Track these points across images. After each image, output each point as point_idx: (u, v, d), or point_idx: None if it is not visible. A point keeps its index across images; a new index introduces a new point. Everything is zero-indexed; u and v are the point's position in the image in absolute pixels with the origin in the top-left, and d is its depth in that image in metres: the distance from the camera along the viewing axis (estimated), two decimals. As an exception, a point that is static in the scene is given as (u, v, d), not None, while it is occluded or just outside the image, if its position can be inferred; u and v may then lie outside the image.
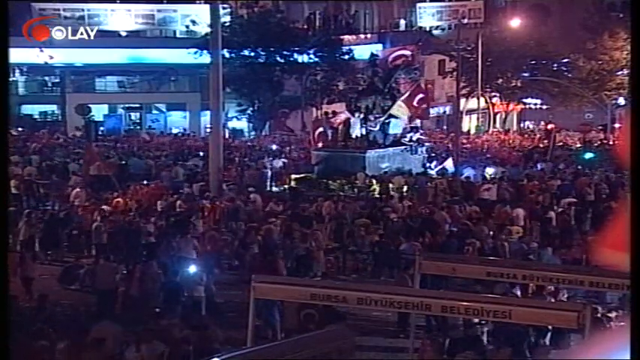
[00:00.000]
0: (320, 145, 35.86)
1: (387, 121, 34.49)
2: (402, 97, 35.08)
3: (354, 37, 59.05)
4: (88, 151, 33.09)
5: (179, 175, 32.50)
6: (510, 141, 49.71)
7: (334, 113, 37.42)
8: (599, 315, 15.81)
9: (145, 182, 30.47)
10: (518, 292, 17.57)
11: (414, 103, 35.96)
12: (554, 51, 58.01)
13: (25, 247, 23.50)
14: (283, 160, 36.20)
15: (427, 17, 65.14)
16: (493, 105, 60.93)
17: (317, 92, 54.01)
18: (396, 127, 34.95)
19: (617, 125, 52.17)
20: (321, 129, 36.74)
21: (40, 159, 35.57)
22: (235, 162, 35.66)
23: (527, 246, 21.93)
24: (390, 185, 31.08)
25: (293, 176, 33.36)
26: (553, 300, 16.70)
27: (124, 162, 35.18)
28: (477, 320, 15.24)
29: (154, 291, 18.63)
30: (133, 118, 57.78)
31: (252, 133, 53.16)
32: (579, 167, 36.06)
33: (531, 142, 47.75)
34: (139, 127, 56.03)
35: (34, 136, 45.86)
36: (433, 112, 62.87)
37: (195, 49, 47.35)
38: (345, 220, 25.32)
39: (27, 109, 55.08)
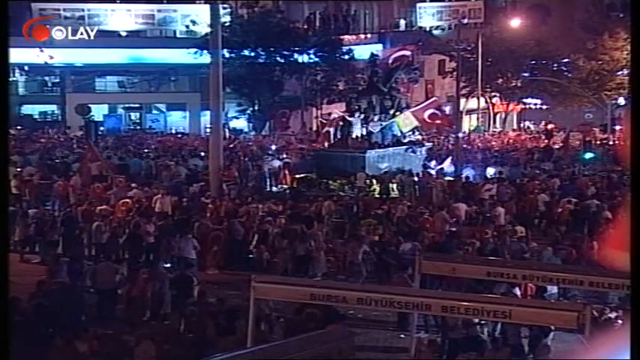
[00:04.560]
0: (326, 144, 35.91)
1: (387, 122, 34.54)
2: (413, 109, 35.04)
3: (354, 37, 59.07)
4: (89, 151, 33.08)
5: (181, 175, 32.52)
6: (511, 140, 49.71)
7: (330, 114, 37.48)
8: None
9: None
10: (518, 292, 17.58)
11: (426, 118, 36.00)
12: (554, 51, 57.98)
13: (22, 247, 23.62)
14: (285, 160, 36.15)
15: (427, 17, 65.13)
16: (493, 105, 60.93)
17: (317, 92, 54.01)
18: (396, 129, 35.00)
19: (617, 126, 52.22)
20: (327, 128, 36.74)
21: (40, 159, 35.58)
22: (235, 162, 35.63)
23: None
24: (391, 185, 31.09)
25: (293, 176, 33.33)
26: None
27: (124, 162, 35.17)
28: (477, 320, 15.24)
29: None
30: (133, 118, 57.82)
31: (252, 133, 53.17)
32: (581, 167, 36.12)
33: (543, 142, 47.67)
34: (139, 127, 56.06)
35: (35, 135, 45.92)
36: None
37: (195, 49, 47.35)
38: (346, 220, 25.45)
39: (27, 109, 55.10)
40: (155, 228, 23.03)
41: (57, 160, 35.64)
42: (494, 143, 47.75)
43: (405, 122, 34.93)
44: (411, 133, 35.72)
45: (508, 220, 25.20)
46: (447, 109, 62.04)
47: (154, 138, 48.14)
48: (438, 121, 37.57)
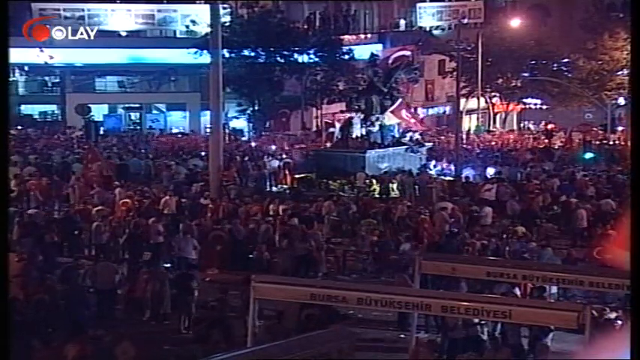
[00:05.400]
0: (328, 144, 35.96)
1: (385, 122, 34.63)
2: (390, 109, 35.09)
3: (354, 37, 59.04)
4: (89, 151, 33.11)
5: (180, 174, 32.54)
6: (511, 140, 49.69)
7: (342, 113, 37.36)
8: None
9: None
10: (518, 292, 17.59)
11: (403, 116, 36.08)
12: (554, 51, 57.93)
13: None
14: (285, 160, 36.17)
15: (427, 17, 65.11)
16: (493, 105, 60.89)
17: (317, 92, 53.98)
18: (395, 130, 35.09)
19: (618, 127, 52.21)
20: (332, 129, 36.75)
21: (40, 159, 35.60)
22: (235, 162, 35.62)
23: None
24: (391, 185, 31.13)
25: (293, 176, 33.36)
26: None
27: (124, 162, 35.19)
28: (477, 320, 15.24)
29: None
30: (133, 118, 57.77)
31: (252, 133, 53.18)
32: (580, 167, 36.12)
33: (543, 142, 47.68)
34: (139, 127, 56.04)
35: (34, 135, 45.98)
36: (433, 112, 63.23)
37: (195, 49, 47.33)
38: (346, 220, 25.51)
39: (27, 109, 55.08)
40: (164, 228, 23.05)
41: (55, 161, 35.64)
42: (493, 143, 47.75)
43: (390, 121, 35.08)
44: (411, 133, 35.78)
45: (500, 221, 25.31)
46: (447, 109, 62.42)
47: (154, 138, 48.18)
48: (413, 121, 37.50)
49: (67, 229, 23.99)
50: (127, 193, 27.33)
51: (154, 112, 58.55)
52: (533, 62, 58.25)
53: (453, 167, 35.85)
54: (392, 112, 35.13)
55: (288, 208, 26.21)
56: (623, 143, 43.49)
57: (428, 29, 64.20)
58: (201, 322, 16.49)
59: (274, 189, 32.12)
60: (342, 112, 37.32)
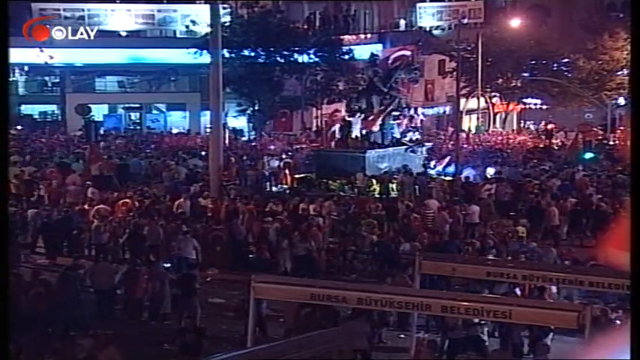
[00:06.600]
0: (332, 144, 36.00)
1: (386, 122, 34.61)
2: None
3: (354, 37, 59.01)
4: (90, 151, 33.12)
5: (181, 174, 32.54)
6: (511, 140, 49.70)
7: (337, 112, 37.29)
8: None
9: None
10: (519, 292, 17.60)
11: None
12: (554, 51, 57.92)
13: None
14: (285, 160, 36.15)
15: (427, 17, 65.08)
16: (493, 105, 60.89)
17: (317, 92, 53.97)
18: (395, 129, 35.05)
19: (617, 125, 52.21)
20: (334, 128, 36.69)
21: (40, 159, 35.60)
22: (235, 162, 35.62)
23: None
24: (391, 185, 31.14)
25: (293, 176, 33.36)
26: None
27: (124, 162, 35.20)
28: (477, 320, 15.24)
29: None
30: (133, 118, 57.76)
31: (252, 133, 53.17)
32: (579, 167, 36.11)
33: (544, 142, 47.72)
34: (139, 127, 56.05)
35: (34, 135, 45.98)
36: (433, 112, 63.22)
37: (195, 49, 47.32)
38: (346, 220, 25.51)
39: (27, 109, 55.08)
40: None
41: (55, 161, 35.63)
42: (493, 143, 47.77)
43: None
44: (411, 133, 35.78)
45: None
46: (447, 109, 62.39)
47: (154, 138, 48.20)
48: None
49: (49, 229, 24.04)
50: (101, 193, 27.32)
51: (154, 112, 58.54)
52: (533, 62, 58.23)
53: (452, 167, 35.80)
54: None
55: (287, 208, 26.22)
56: (623, 143, 43.49)
57: (428, 29, 64.15)
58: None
59: (274, 189, 32.13)
60: (337, 111, 37.15)
